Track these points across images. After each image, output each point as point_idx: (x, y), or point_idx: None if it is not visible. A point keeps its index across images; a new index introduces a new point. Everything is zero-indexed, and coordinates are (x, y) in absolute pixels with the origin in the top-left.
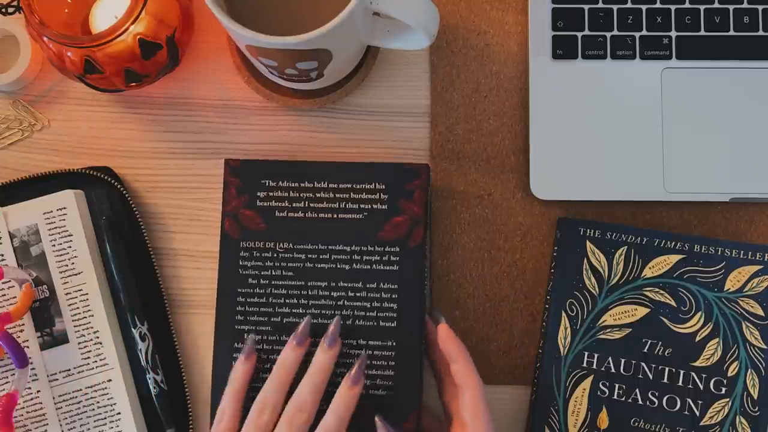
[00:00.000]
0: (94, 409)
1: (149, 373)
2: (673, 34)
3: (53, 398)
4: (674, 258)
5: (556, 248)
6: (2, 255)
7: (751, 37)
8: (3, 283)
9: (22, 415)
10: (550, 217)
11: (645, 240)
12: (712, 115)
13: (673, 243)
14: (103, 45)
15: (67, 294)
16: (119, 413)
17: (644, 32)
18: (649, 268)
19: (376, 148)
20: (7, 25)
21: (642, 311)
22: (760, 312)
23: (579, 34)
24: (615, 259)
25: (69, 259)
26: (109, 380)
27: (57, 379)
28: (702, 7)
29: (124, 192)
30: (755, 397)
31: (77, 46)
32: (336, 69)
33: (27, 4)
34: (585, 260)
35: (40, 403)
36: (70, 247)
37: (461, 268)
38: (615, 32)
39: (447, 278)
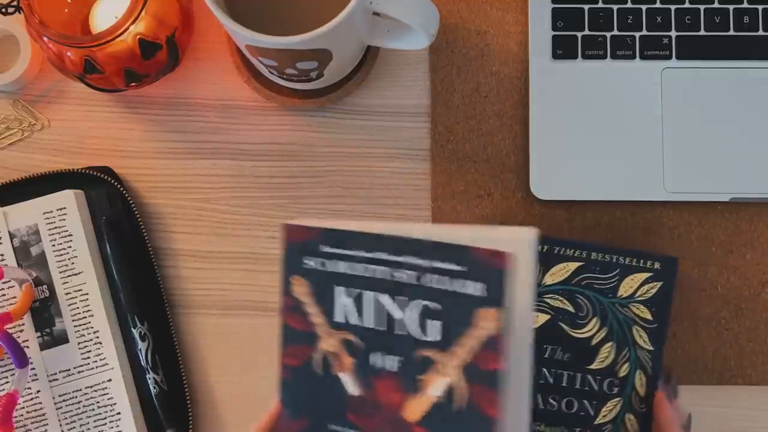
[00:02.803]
0: (94, 409)
1: (149, 373)
2: (673, 34)
3: (53, 398)
4: (573, 265)
5: None
6: (2, 255)
7: (751, 37)
8: (3, 283)
9: (22, 415)
10: (550, 217)
11: (546, 248)
12: (712, 114)
13: (572, 251)
14: (103, 45)
15: (67, 294)
16: (119, 413)
17: (644, 32)
18: (550, 275)
19: (376, 148)
20: (7, 25)
21: (543, 318)
22: (649, 316)
23: (579, 34)
24: None
25: (69, 259)
26: (109, 380)
27: (57, 379)
28: (702, 7)
29: (124, 192)
30: (642, 395)
31: (77, 46)
32: (336, 69)
33: (27, 4)
34: None
35: (40, 403)
36: (70, 247)
37: None
38: (615, 32)
39: None
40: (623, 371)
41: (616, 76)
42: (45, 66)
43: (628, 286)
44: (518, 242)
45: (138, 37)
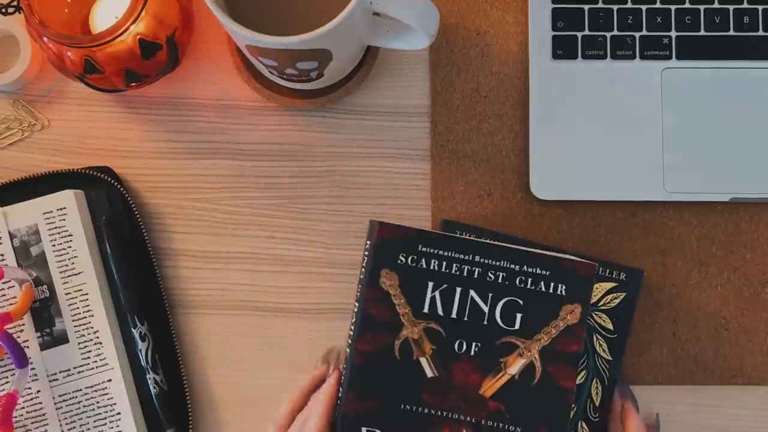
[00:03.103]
0: (94, 409)
1: (149, 373)
2: (673, 34)
3: (53, 398)
4: None
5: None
6: (2, 255)
7: (751, 37)
8: (3, 283)
9: (22, 415)
10: (550, 217)
11: None
12: (712, 115)
13: None
14: (103, 45)
15: (67, 294)
16: (119, 413)
17: (644, 32)
18: None
19: (376, 148)
20: (7, 25)
21: None
22: (610, 326)
23: (579, 34)
24: None
25: (69, 259)
26: (109, 380)
27: (57, 379)
28: (702, 7)
29: (124, 192)
30: (597, 404)
31: (77, 46)
32: (336, 69)
33: (27, 4)
34: None
35: (40, 403)
36: (70, 247)
37: None
38: (615, 32)
39: None
40: (579, 379)
41: (616, 76)
42: (45, 66)
43: (593, 294)
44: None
45: (138, 37)
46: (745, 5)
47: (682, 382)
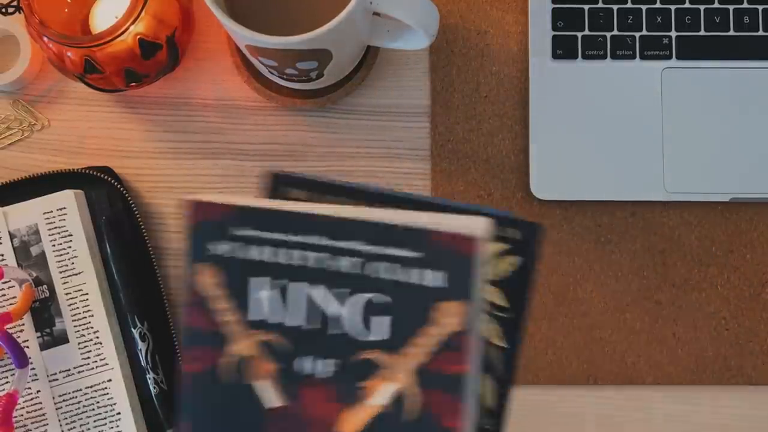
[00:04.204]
0: (94, 409)
1: (149, 373)
2: (673, 34)
3: (53, 398)
4: None
5: None
6: (2, 255)
7: (751, 37)
8: (3, 283)
9: (22, 415)
10: (550, 217)
11: None
12: (712, 115)
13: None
14: (103, 45)
15: (67, 294)
16: (119, 413)
17: (644, 32)
18: None
19: (376, 148)
20: (7, 25)
21: None
22: (503, 302)
23: (579, 34)
24: None
25: (69, 259)
26: (109, 380)
27: (57, 379)
28: (702, 7)
29: (124, 192)
30: (491, 407)
31: (77, 46)
32: (336, 69)
33: (27, 4)
34: None
35: (40, 403)
36: (70, 247)
37: None
38: (615, 32)
39: None
40: None
41: (616, 76)
42: (45, 66)
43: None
44: (475, 230)
45: (138, 37)
46: (745, 5)
47: (682, 382)
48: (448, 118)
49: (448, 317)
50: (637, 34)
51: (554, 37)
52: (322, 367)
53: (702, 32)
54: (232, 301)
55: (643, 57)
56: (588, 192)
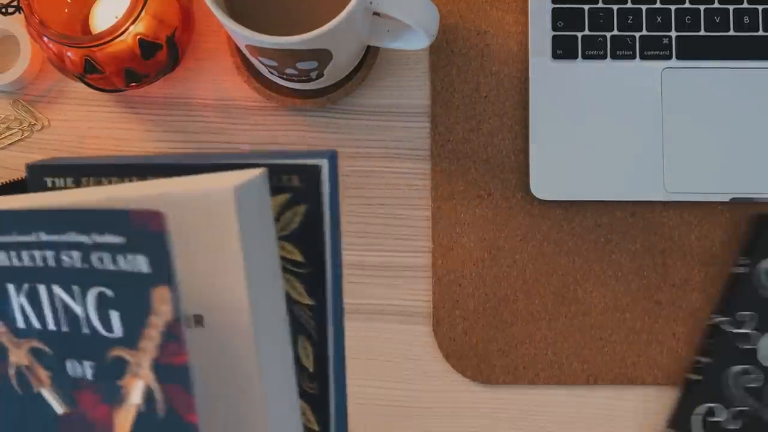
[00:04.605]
0: None
1: None
2: (673, 34)
3: None
4: None
5: None
6: None
7: (751, 37)
8: None
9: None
10: (550, 217)
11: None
12: (712, 115)
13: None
14: (103, 45)
15: None
16: None
17: (644, 32)
18: None
19: (376, 148)
20: (7, 25)
21: None
22: (298, 257)
23: (579, 34)
24: None
25: None
26: None
27: None
28: (702, 7)
29: None
30: (311, 371)
31: (77, 46)
32: (336, 69)
33: (27, 4)
34: None
35: None
36: None
37: (461, 268)
38: (615, 32)
39: (447, 278)
40: None
41: (616, 76)
42: (45, 66)
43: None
44: (217, 192)
45: (138, 37)
46: (745, 5)
47: (683, 382)
48: (448, 118)
49: (163, 305)
50: (637, 34)
51: (554, 37)
52: (85, 369)
53: (702, 32)
54: None
55: (643, 57)
56: (588, 192)
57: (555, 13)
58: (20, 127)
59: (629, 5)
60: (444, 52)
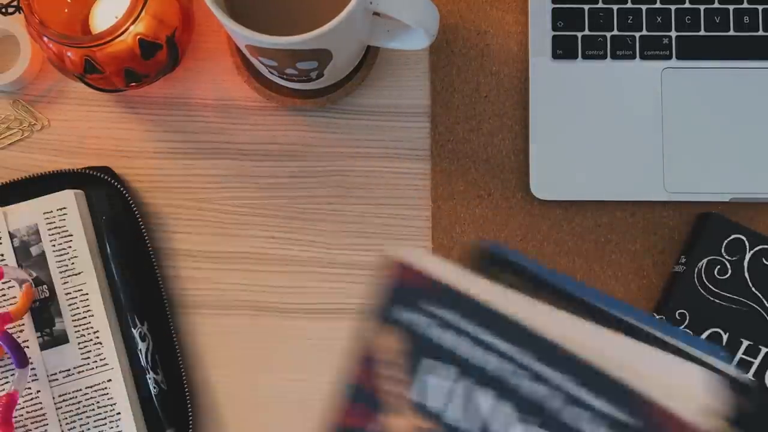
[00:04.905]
0: (94, 409)
1: (149, 373)
2: (673, 34)
3: (53, 398)
4: None
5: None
6: (2, 255)
7: (751, 37)
8: (3, 283)
9: (22, 415)
10: (550, 217)
11: None
12: (712, 115)
13: None
14: (103, 45)
15: (67, 294)
16: (119, 413)
17: (644, 32)
18: None
19: (376, 148)
20: (7, 25)
21: None
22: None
23: (579, 34)
24: None
25: (69, 259)
26: (109, 380)
27: (57, 379)
28: (702, 7)
29: (124, 192)
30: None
31: (77, 46)
32: (336, 69)
33: (27, 4)
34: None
35: (40, 403)
36: (70, 247)
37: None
38: (615, 32)
39: None
40: None
41: (616, 76)
42: (45, 66)
43: None
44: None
45: (138, 37)
46: (745, 5)
47: None
48: (448, 118)
49: None
50: (637, 34)
51: (554, 37)
52: None
53: (702, 32)
54: (403, 373)
55: (643, 57)
56: (588, 192)
57: (555, 13)
58: (20, 127)
59: (629, 5)
60: (444, 52)
